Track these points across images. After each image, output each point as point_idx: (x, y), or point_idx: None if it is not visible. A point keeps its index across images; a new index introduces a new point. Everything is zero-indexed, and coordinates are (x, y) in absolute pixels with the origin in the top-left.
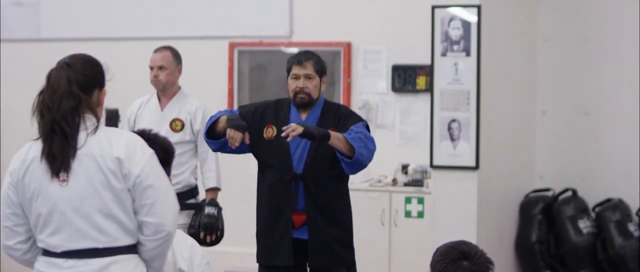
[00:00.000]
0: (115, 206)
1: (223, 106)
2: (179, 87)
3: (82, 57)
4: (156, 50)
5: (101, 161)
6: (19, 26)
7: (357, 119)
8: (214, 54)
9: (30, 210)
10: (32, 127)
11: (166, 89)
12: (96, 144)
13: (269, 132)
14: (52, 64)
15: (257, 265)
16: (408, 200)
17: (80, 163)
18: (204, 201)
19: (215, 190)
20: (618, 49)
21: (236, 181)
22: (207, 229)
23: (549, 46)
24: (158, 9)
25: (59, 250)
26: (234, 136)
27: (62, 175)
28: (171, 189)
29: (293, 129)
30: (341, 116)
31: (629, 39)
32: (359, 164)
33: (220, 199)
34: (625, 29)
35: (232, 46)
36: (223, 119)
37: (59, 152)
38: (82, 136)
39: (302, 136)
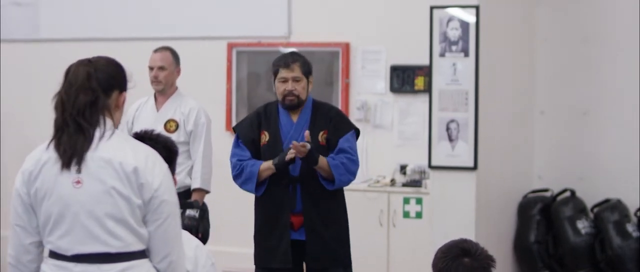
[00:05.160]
0: (129, 214)
1: (222, 107)
2: (176, 88)
3: (105, 57)
4: (156, 51)
5: (119, 167)
6: (17, 26)
7: (348, 126)
8: (213, 55)
9: (40, 210)
10: (32, 126)
11: (165, 90)
12: (114, 150)
13: (263, 138)
14: (51, 64)
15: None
16: (406, 200)
17: (97, 167)
18: (190, 201)
19: (200, 191)
20: (617, 49)
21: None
22: (185, 230)
23: (548, 46)
24: (156, 10)
25: (69, 253)
26: (296, 151)
27: (74, 169)
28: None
29: (303, 146)
30: (333, 120)
31: (627, 39)
32: (338, 187)
33: (220, 198)
34: (624, 29)
35: (230, 47)
36: (270, 166)
37: (67, 145)
38: (95, 136)
39: (306, 156)
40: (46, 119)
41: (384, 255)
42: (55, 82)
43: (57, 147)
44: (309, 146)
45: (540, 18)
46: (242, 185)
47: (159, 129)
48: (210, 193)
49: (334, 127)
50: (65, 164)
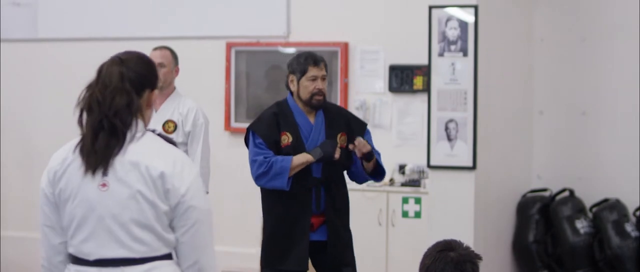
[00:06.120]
0: (155, 220)
1: (220, 106)
2: (174, 88)
3: (136, 53)
4: (155, 49)
5: (145, 172)
6: (16, 26)
7: (363, 125)
8: (212, 54)
9: (64, 211)
10: (32, 126)
11: (163, 89)
12: (141, 153)
13: (285, 139)
14: (50, 63)
15: (256, 265)
16: (405, 200)
17: (124, 170)
18: None
19: None
20: (615, 49)
21: (234, 181)
22: None
23: (546, 46)
24: (155, 9)
25: (91, 258)
26: (339, 151)
27: (99, 173)
28: (211, 213)
29: (364, 145)
30: (350, 122)
31: (626, 39)
32: (370, 180)
33: (219, 199)
34: (622, 29)
35: (229, 46)
36: (308, 158)
37: (102, 149)
38: (127, 139)
39: (367, 153)
40: (46, 119)
41: (383, 255)
42: (55, 82)
43: (87, 150)
44: (366, 143)
45: (539, 18)
46: (270, 181)
47: (158, 129)
48: (208, 194)
49: (354, 130)
50: (92, 169)
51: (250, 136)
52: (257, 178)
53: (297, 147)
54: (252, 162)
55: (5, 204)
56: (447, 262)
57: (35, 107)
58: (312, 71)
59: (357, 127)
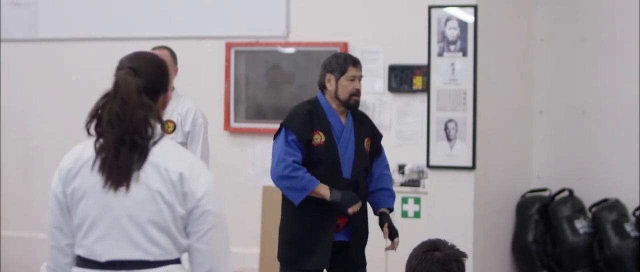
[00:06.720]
0: (172, 222)
1: (220, 106)
2: (173, 88)
3: (146, 57)
4: (155, 49)
5: (165, 173)
6: (16, 26)
7: (380, 137)
8: (211, 54)
9: (76, 211)
10: (32, 126)
11: None
12: (161, 156)
13: (317, 138)
14: (50, 63)
15: (256, 265)
16: (405, 200)
17: (145, 172)
18: None
19: None
20: (615, 49)
21: (233, 181)
22: None
23: (546, 46)
24: (155, 9)
25: (103, 258)
26: (356, 209)
27: (122, 185)
28: (226, 220)
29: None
30: (373, 128)
31: (625, 39)
32: None
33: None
34: (622, 29)
35: (228, 46)
36: (326, 193)
37: (124, 164)
38: (149, 147)
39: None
40: (46, 119)
41: (383, 255)
42: (55, 82)
43: (110, 165)
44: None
45: (538, 18)
46: (288, 188)
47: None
48: None
49: (376, 136)
50: (114, 185)
51: (282, 132)
52: (279, 178)
53: (329, 147)
54: (280, 160)
55: (5, 204)
56: (433, 263)
57: (35, 107)
58: (352, 71)
59: (377, 137)
